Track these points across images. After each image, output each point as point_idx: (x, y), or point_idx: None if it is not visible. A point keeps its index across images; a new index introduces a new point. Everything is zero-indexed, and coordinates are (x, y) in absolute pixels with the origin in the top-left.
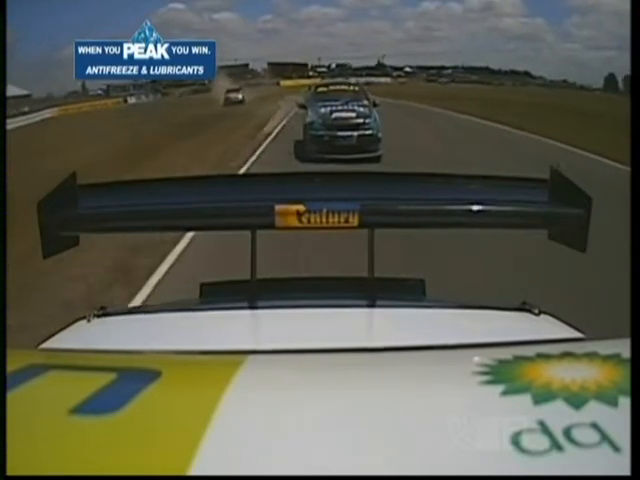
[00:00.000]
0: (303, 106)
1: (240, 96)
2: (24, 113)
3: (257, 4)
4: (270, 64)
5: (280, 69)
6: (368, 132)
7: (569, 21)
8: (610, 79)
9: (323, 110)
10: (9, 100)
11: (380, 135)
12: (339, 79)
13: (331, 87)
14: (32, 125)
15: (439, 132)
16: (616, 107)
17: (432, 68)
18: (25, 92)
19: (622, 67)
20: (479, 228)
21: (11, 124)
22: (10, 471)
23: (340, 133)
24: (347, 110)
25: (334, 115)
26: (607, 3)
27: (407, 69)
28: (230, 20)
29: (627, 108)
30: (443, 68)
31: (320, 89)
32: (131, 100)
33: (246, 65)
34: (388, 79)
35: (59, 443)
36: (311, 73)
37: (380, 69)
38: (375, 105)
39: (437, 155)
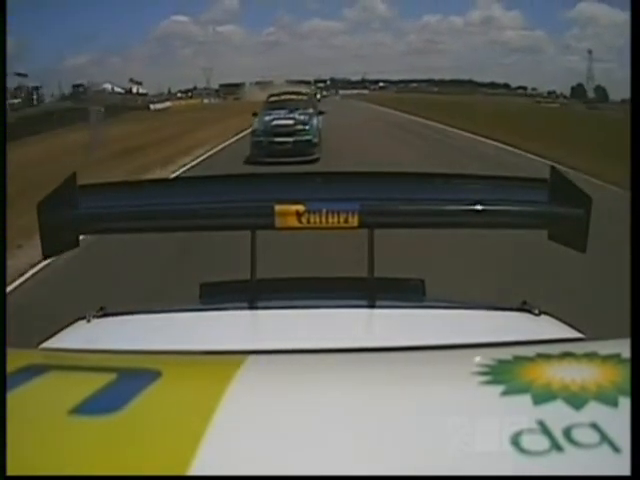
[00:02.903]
0: (255, 114)
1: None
2: (154, 102)
3: (260, 17)
4: (287, 81)
5: (294, 84)
6: (305, 138)
7: (569, 34)
8: (578, 88)
9: (267, 118)
10: (141, 96)
11: (316, 140)
12: (292, 89)
13: (283, 97)
14: (166, 108)
15: (362, 115)
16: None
17: (401, 82)
18: (144, 90)
19: (620, 78)
20: (479, 228)
21: (154, 106)
22: (10, 471)
23: (277, 139)
24: (287, 118)
25: (274, 122)
26: (605, 15)
27: (381, 84)
28: (233, 32)
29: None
30: (410, 82)
31: (272, 98)
32: (205, 100)
33: (270, 81)
34: (366, 91)
35: (59, 443)
36: (313, 87)
37: (362, 83)
38: (321, 113)
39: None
